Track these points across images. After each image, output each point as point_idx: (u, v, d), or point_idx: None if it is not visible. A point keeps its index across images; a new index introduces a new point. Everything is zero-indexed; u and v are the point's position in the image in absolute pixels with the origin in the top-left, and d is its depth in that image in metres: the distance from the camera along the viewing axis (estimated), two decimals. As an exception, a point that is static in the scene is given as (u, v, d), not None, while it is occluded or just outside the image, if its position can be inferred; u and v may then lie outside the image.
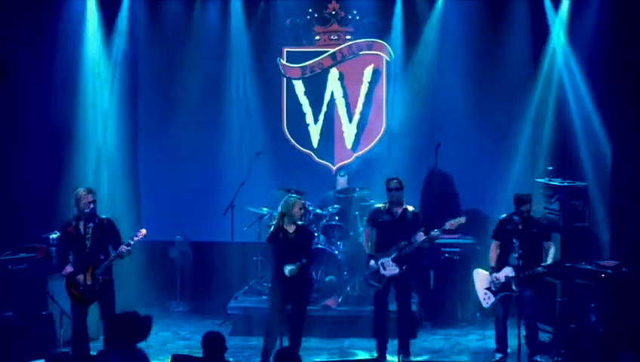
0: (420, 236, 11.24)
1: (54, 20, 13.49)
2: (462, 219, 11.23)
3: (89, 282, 10.72)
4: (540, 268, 11.02)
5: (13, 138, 13.20)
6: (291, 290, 10.90)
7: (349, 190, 13.40)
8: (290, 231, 11.00)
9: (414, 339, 12.24)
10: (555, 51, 13.65)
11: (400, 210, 11.32)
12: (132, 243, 10.81)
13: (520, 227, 11.16)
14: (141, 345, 8.12)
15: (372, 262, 11.31)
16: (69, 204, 11.27)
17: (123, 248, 10.76)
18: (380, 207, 11.53)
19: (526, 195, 11.27)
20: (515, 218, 11.20)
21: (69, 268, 10.81)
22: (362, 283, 12.52)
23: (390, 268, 11.20)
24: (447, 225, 11.16)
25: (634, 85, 12.60)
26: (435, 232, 11.18)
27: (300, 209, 10.99)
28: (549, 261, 11.06)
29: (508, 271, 11.09)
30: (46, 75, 13.44)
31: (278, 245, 10.99)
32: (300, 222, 11.12)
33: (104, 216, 10.95)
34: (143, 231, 10.96)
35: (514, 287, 11.01)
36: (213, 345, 8.19)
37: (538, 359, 11.23)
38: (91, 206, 10.74)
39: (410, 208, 11.38)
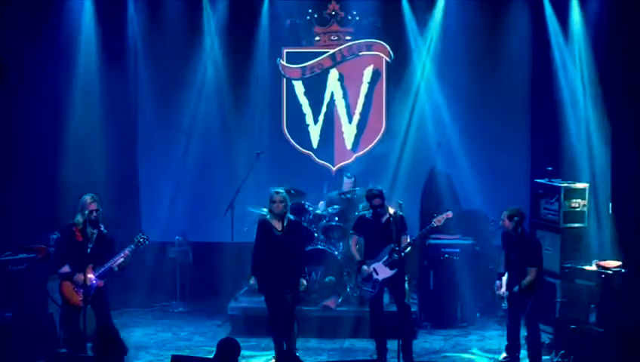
0: (405, 240, 11.27)
1: (54, 21, 13.51)
2: (448, 214, 11.31)
3: (88, 283, 10.71)
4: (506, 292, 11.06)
5: (13, 138, 13.20)
6: (279, 285, 10.99)
7: (351, 190, 13.38)
8: (278, 229, 11.05)
9: (414, 340, 12.24)
10: (554, 51, 13.65)
11: (385, 217, 11.31)
12: (133, 249, 10.91)
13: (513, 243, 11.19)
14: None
15: (364, 267, 11.34)
16: (69, 204, 11.28)
17: (125, 251, 10.84)
18: (364, 214, 11.58)
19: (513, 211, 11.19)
20: (512, 232, 11.21)
21: (66, 268, 10.82)
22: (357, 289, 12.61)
23: (383, 272, 11.25)
24: (435, 222, 11.26)
25: (634, 85, 12.60)
26: (423, 231, 11.29)
27: (275, 202, 10.98)
28: (524, 283, 10.93)
29: (504, 282, 11.17)
30: (47, 74, 13.47)
31: (263, 241, 11.07)
32: (291, 217, 11.17)
33: (106, 231, 10.98)
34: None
35: (503, 305, 11.15)
36: (228, 352, 8.18)
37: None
38: (95, 213, 10.79)
39: (392, 210, 11.35)
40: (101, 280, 10.83)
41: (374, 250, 11.30)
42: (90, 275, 10.69)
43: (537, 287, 11.09)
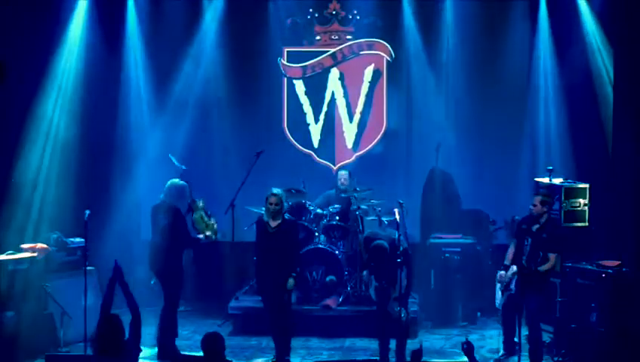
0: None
1: (54, 20, 13.50)
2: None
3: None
4: (520, 268, 11.06)
5: (13, 138, 13.20)
6: (272, 284, 11.02)
7: (351, 190, 13.37)
8: (272, 226, 11.07)
9: (414, 339, 12.26)
10: (553, 51, 13.67)
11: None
12: None
13: (533, 228, 11.16)
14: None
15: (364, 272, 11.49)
16: (69, 203, 11.23)
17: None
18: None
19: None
20: (539, 218, 11.21)
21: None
22: (363, 283, 12.65)
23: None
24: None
25: (634, 84, 12.60)
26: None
27: (272, 204, 10.99)
28: (542, 267, 10.97)
29: (513, 269, 11.15)
30: (47, 73, 13.45)
31: (258, 238, 11.12)
32: (287, 216, 11.18)
33: None
34: None
35: (511, 286, 11.06)
36: (213, 346, 8.28)
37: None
38: None
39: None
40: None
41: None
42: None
43: (545, 286, 11.08)
